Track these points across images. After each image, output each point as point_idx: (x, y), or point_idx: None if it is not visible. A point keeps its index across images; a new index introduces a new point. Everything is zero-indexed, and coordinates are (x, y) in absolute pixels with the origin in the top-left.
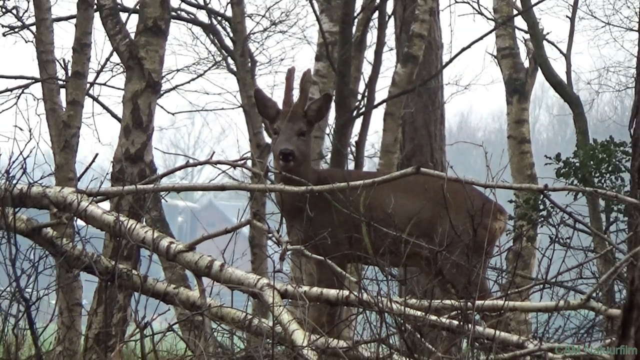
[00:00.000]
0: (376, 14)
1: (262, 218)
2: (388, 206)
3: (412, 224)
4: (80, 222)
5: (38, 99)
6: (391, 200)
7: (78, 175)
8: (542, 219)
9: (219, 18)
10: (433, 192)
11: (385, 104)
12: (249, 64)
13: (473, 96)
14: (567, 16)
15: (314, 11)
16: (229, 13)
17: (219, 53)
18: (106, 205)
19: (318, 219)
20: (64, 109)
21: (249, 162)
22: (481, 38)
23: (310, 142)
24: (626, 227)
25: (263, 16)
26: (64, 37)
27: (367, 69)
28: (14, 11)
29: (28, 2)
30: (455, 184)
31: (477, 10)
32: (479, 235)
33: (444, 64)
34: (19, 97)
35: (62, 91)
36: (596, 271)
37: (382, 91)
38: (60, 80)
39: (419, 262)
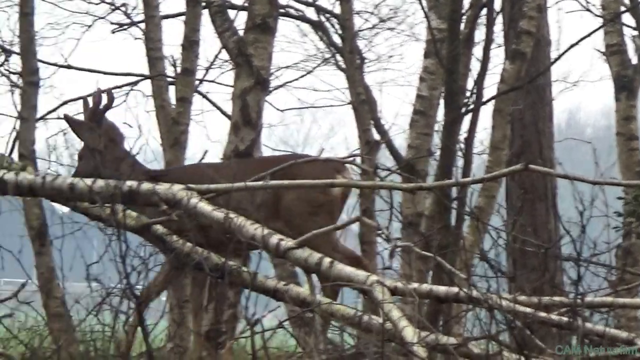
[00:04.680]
0: (484, 11)
1: (371, 215)
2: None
3: (258, 208)
4: None
5: (147, 96)
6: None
7: None
8: None
9: (327, 15)
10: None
11: (494, 100)
12: (358, 61)
13: (581, 93)
14: None
15: (422, 8)
16: (338, 10)
17: (327, 50)
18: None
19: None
20: (173, 106)
21: (358, 159)
22: (589, 35)
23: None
24: None
25: (371, 13)
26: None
27: (475, 66)
28: (123, 8)
29: (137, 0)
30: (291, 168)
31: (584, 7)
32: (321, 200)
33: (552, 60)
34: (128, 94)
35: (171, 88)
36: None
37: (490, 88)
38: (169, 77)
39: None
